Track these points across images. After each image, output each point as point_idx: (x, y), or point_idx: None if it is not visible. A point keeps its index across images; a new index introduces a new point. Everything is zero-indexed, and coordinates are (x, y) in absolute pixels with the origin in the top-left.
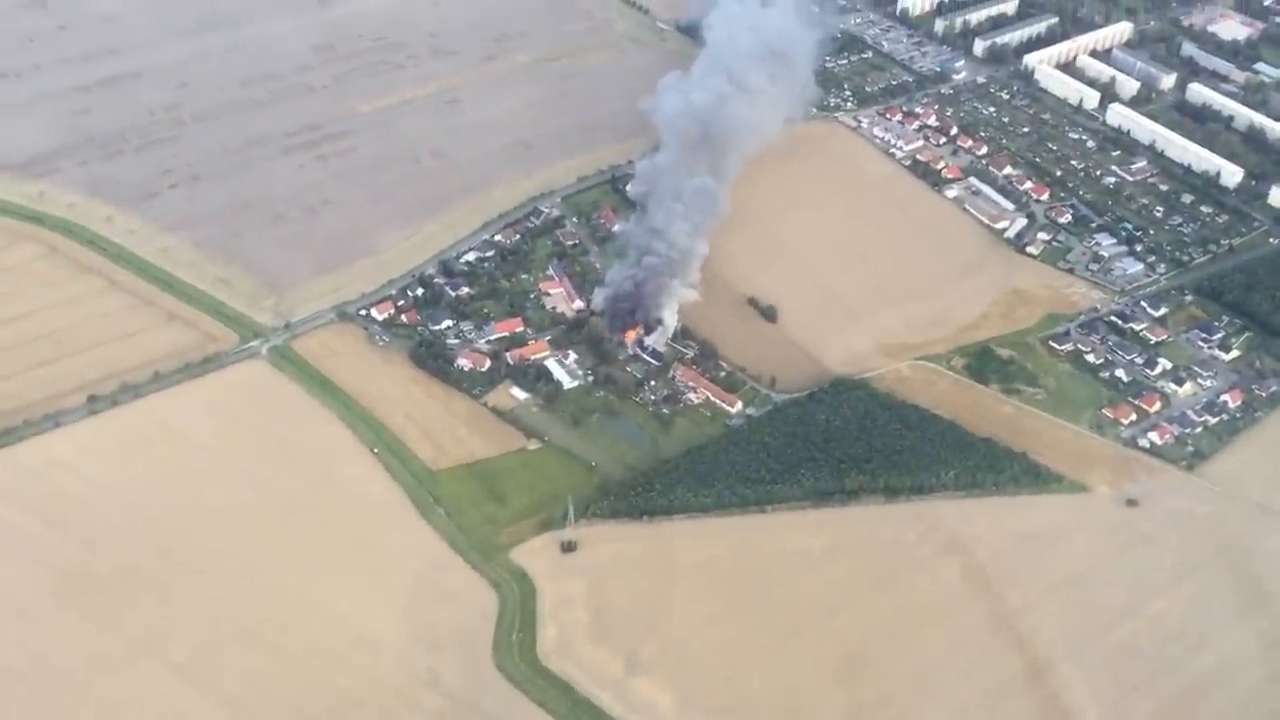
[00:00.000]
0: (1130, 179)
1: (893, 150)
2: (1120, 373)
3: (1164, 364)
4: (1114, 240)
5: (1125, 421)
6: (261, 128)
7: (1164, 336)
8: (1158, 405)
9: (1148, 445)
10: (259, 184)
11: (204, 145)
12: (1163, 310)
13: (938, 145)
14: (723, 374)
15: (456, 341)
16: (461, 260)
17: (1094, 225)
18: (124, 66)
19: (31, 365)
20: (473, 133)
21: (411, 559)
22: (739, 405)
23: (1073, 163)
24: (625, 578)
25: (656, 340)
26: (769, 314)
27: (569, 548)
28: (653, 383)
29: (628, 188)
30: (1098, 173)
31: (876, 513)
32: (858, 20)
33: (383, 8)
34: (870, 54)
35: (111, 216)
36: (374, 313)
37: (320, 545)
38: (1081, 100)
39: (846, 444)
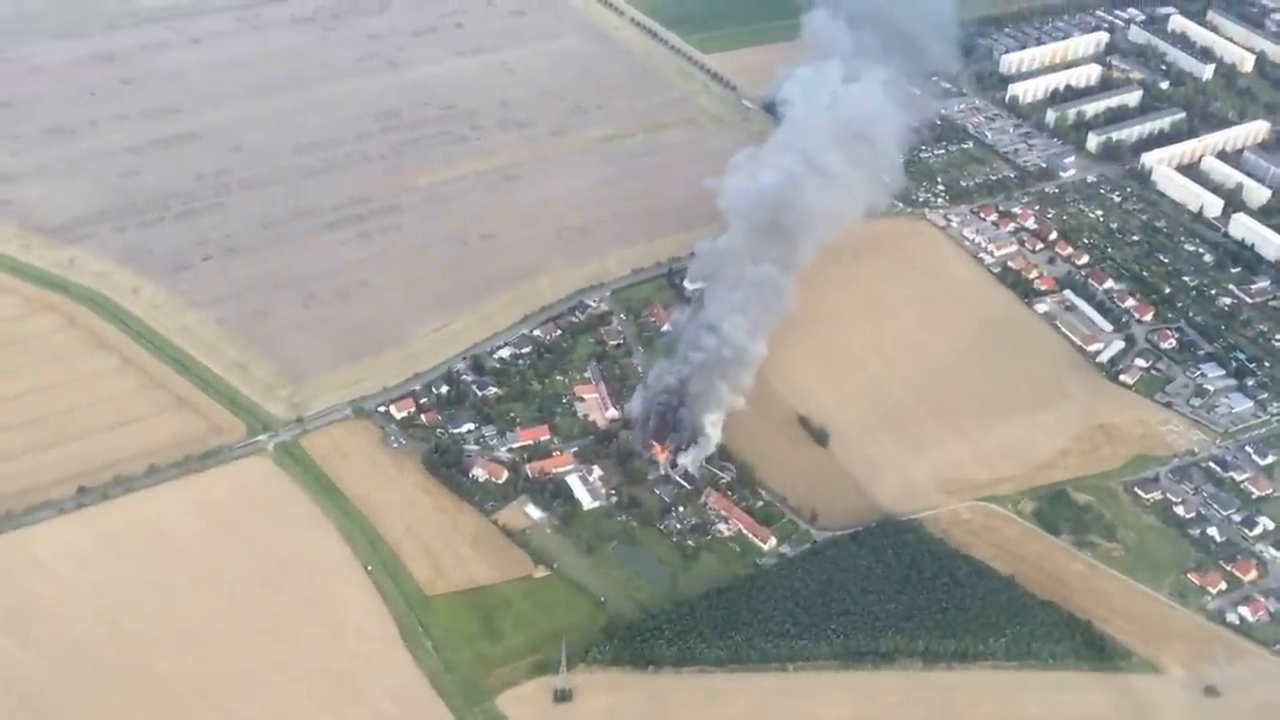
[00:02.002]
0: (1249, 301)
1: (982, 254)
2: (1213, 531)
3: (1265, 524)
4: (1222, 372)
5: (1213, 590)
6: (309, 198)
7: (1269, 490)
8: (1253, 574)
9: (1236, 621)
10: (295, 260)
11: (246, 215)
12: (1270, 458)
13: (1034, 251)
14: (759, 504)
15: (476, 448)
16: (494, 356)
17: (1201, 353)
18: (181, 127)
19: (28, 449)
20: (528, 214)
21: (386, 699)
22: (772, 542)
23: (1184, 279)
24: None
25: (691, 460)
26: (820, 437)
27: (562, 697)
28: (681, 509)
29: (685, 281)
30: (1212, 292)
31: (912, 680)
32: (961, 106)
33: (455, 73)
34: (970, 144)
35: (139, 288)
36: (393, 410)
37: (291, 676)
38: (1202, 208)
39: (886, 597)
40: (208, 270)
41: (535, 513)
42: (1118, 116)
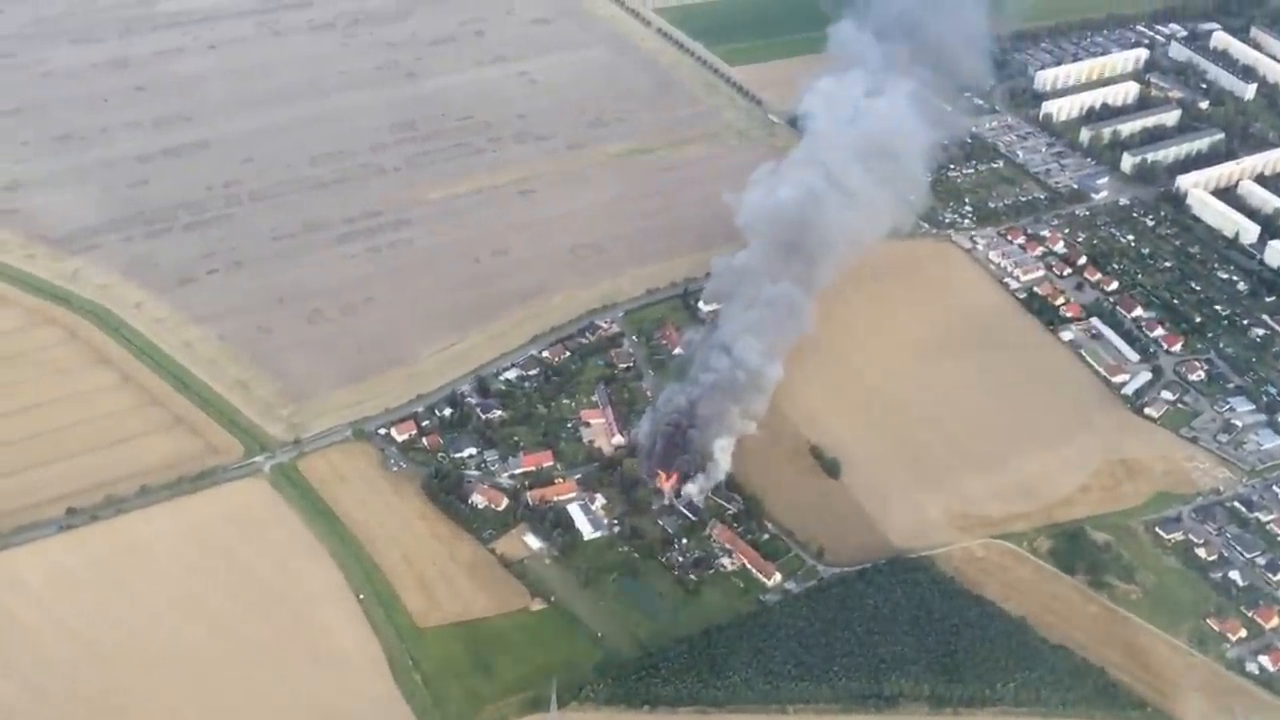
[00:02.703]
0: None
1: (1008, 279)
2: (1236, 574)
3: None
4: (1252, 406)
5: (1233, 638)
6: (319, 211)
7: None
8: (1275, 620)
9: (1256, 671)
10: (302, 275)
11: (255, 227)
12: None
13: (1061, 276)
14: (765, 537)
15: (476, 474)
16: (501, 378)
17: (1230, 386)
18: (193, 135)
19: (21, 467)
20: (542, 230)
21: None
22: (777, 577)
23: (1217, 308)
24: None
25: (697, 490)
26: (832, 468)
27: None
28: (684, 541)
29: (700, 303)
30: (1245, 322)
31: None
32: (993, 124)
33: (474, 83)
34: (1001, 163)
35: (142, 302)
36: (394, 432)
37: (274, 706)
38: (1238, 233)
39: (893, 638)
40: (213, 284)
41: (534, 542)
42: (1154, 136)
